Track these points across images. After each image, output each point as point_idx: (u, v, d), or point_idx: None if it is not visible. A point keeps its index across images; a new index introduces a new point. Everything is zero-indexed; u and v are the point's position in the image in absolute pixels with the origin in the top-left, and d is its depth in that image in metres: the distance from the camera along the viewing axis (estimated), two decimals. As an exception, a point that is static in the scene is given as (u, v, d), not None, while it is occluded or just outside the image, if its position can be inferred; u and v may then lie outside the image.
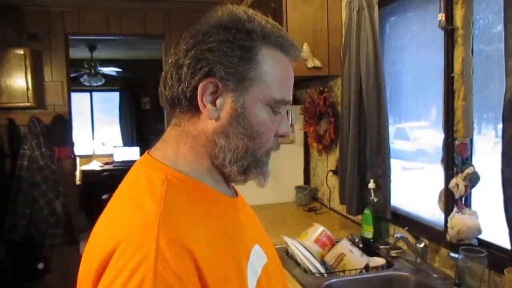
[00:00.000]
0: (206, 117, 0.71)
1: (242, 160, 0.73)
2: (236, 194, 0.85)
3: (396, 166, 2.15)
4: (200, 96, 0.70)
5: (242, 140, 0.71)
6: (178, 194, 0.68)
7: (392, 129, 2.26)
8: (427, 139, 2.08)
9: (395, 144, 2.29)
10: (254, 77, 0.70)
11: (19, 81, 3.67)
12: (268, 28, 0.72)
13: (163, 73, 0.75)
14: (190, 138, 0.73)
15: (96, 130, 7.66)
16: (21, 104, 3.70)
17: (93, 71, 6.12)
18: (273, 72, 0.72)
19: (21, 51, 3.66)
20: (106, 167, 6.60)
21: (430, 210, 1.89)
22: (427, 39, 1.94)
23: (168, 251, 0.58)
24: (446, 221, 1.65)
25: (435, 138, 1.85)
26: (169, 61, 0.73)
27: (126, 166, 6.44)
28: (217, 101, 0.71)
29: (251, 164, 0.74)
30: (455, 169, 1.63)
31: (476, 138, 1.69)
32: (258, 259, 0.75)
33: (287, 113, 2.94)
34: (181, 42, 0.73)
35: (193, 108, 0.72)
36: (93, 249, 0.65)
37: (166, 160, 0.72)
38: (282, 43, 0.74)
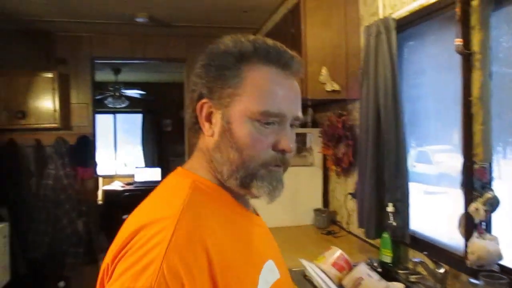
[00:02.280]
0: (207, 135, 0.79)
1: (235, 173, 0.76)
2: (257, 214, 0.89)
3: (418, 190, 2.13)
4: (199, 116, 0.79)
5: (231, 153, 0.76)
6: (202, 196, 0.75)
7: (414, 153, 2.25)
8: (450, 163, 2.06)
9: (417, 167, 2.27)
10: (234, 94, 0.75)
11: (47, 103, 3.81)
12: (250, 45, 0.77)
13: None
14: (203, 154, 0.81)
15: (119, 151, 7.81)
16: (48, 125, 3.83)
17: (117, 94, 6.29)
18: (256, 86, 0.75)
19: (49, 75, 3.82)
20: (128, 187, 6.68)
21: (450, 235, 1.86)
22: (446, 62, 1.95)
23: (182, 239, 0.64)
24: (466, 246, 1.63)
25: (459, 162, 1.83)
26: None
27: (147, 187, 6.55)
28: (212, 120, 0.78)
29: (246, 177, 0.76)
30: (474, 193, 1.61)
31: (502, 163, 1.67)
32: (270, 273, 0.77)
33: (305, 135, 2.93)
34: None
35: (200, 128, 0.80)
36: (118, 237, 0.72)
37: (193, 170, 0.81)
38: (268, 57, 0.77)
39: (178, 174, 0.82)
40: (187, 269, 0.61)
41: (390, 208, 2.03)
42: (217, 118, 0.77)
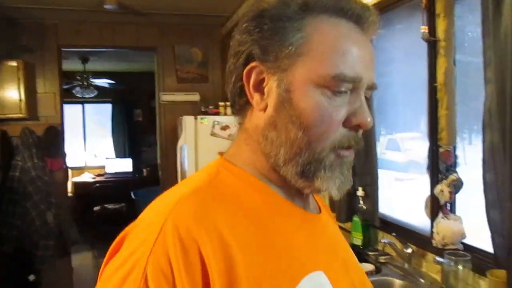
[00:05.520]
0: (257, 109, 0.62)
1: (297, 156, 0.59)
2: (320, 211, 0.71)
3: (389, 177, 2.19)
4: (247, 84, 0.61)
5: (292, 131, 0.58)
6: (224, 185, 0.60)
7: (384, 140, 2.31)
8: (418, 150, 2.13)
9: (387, 155, 2.33)
10: (296, 53, 0.58)
11: (12, 93, 3.68)
12: None
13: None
14: (248, 135, 0.64)
15: (88, 142, 7.66)
16: (14, 116, 3.71)
17: (85, 83, 6.15)
18: (326, 43, 0.58)
19: (14, 63, 3.69)
20: (98, 178, 6.59)
21: (418, 218, 1.93)
22: (414, 50, 2.00)
23: (171, 235, 0.51)
24: (432, 227, 1.70)
25: (427, 149, 1.89)
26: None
27: (118, 178, 6.51)
28: (264, 89, 0.61)
29: (310, 163, 0.59)
30: (439, 176, 1.68)
31: (466, 148, 1.74)
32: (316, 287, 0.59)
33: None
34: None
35: (248, 101, 0.63)
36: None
37: (227, 156, 0.65)
38: (338, 7, 0.60)
39: (210, 163, 0.66)
40: (178, 268, 0.49)
41: (360, 193, 2.09)
42: (271, 86, 0.60)
